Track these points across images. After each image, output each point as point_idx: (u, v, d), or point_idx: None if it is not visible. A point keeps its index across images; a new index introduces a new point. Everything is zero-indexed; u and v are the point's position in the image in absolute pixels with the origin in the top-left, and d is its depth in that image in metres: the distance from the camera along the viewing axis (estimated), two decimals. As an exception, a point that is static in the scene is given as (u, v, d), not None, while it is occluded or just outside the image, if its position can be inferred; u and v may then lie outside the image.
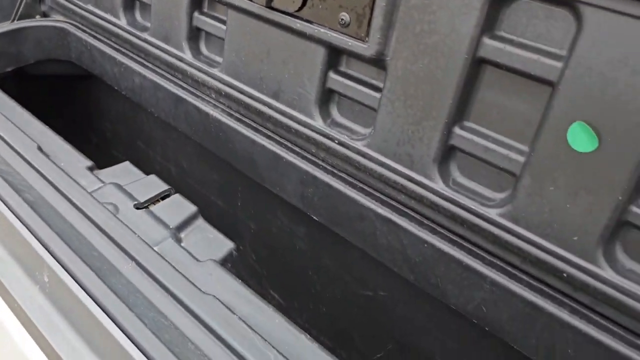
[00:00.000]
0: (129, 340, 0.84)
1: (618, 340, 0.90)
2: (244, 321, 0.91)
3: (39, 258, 0.97)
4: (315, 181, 1.25)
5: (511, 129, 0.96)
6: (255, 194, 1.61)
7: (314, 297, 1.63)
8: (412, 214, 1.12)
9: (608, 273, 0.88)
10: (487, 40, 0.93)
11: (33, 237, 0.99)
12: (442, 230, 1.08)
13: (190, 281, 0.97)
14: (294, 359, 0.86)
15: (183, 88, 1.52)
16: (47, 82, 2.07)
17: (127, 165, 1.35)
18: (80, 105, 2.19)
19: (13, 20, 1.94)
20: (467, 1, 0.92)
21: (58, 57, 1.94)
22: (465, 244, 1.05)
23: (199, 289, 0.95)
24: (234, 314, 0.92)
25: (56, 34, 1.90)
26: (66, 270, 0.94)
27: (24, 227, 1.01)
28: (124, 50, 1.70)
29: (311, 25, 1.13)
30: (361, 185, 1.19)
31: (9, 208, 1.03)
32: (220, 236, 1.18)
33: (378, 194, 1.17)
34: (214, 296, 0.94)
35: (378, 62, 1.07)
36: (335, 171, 1.23)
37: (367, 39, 1.06)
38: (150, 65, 1.62)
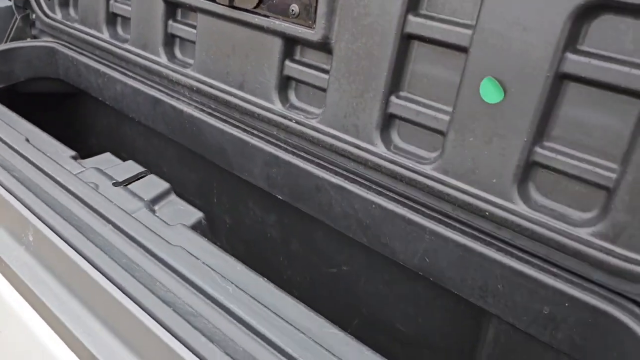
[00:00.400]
0: (104, 277, 0.95)
1: (536, 269, 1.02)
2: (206, 265, 1.02)
3: (24, 220, 1.09)
4: (277, 161, 1.39)
5: (438, 93, 1.11)
6: (228, 187, 1.74)
7: (286, 283, 1.74)
8: (361, 180, 1.25)
9: (523, 208, 1.02)
10: (411, 18, 1.09)
11: (19, 203, 1.11)
12: (386, 192, 1.21)
13: (160, 236, 1.08)
14: (251, 292, 0.97)
15: (160, 90, 1.67)
16: (37, 100, 2.21)
17: (108, 155, 1.48)
18: (68, 121, 2.33)
19: (5, 42, 2.11)
20: (393, -15, 1.08)
21: (47, 74, 2.10)
22: (406, 201, 1.18)
23: (168, 242, 1.07)
24: (198, 259, 1.03)
25: (45, 53, 2.06)
26: (49, 227, 1.05)
27: (9, 195, 1.13)
28: (106, 62, 1.86)
29: (267, 19, 1.30)
30: (317, 160, 1.33)
31: (-4, 181, 1.15)
32: (191, 208, 1.30)
33: (331, 166, 1.30)
34: (181, 247, 1.06)
35: (325, 45, 1.23)
36: (295, 150, 1.37)
37: (314, 25, 1.22)
38: (130, 73, 1.78)
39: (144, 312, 0.89)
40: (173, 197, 1.33)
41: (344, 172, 1.28)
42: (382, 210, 1.21)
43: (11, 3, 2.13)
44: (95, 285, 0.96)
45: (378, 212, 1.22)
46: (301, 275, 1.68)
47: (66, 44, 2.03)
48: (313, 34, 1.22)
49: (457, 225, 1.12)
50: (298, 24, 1.24)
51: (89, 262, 0.98)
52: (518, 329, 1.09)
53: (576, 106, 0.95)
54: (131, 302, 0.90)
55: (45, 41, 2.07)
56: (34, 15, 2.15)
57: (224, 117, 1.52)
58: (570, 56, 0.92)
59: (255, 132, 1.45)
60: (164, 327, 0.86)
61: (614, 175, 0.92)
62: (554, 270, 1.01)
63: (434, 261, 1.16)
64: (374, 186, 1.24)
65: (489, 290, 1.10)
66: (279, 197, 1.45)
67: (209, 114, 1.55)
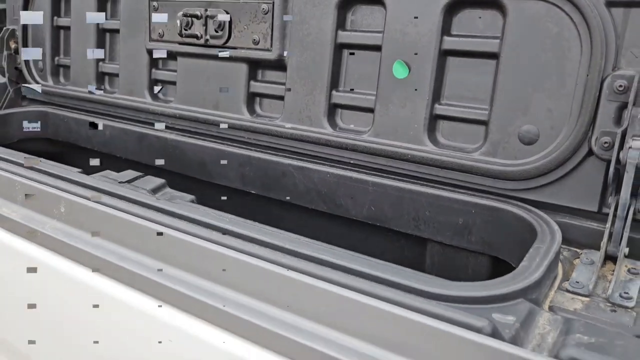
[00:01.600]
0: (130, 215, 1.25)
1: (448, 190, 1.40)
2: (203, 210, 1.34)
3: (56, 197, 1.39)
4: (249, 159, 1.75)
5: (365, 82, 1.54)
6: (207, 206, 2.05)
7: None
8: (316, 159, 1.63)
9: (433, 149, 1.42)
10: (341, 33, 1.55)
11: (48, 186, 1.41)
12: (335, 163, 1.59)
13: (165, 200, 1.40)
14: (237, 219, 1.29)
15: (144, 126, 2.03)
16: (25, 160, 2.51)
17: (107, 171, 1.80)
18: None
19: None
20: (325, 11, 1.54)
21: (37, 135, 2.42)
22: (350, 167, 1.56)
23: (173, 202, 1.39)
24: (198, 208, 1.35)
25: (36, 116, 2.40)
26: (79, 196, 1.36)
27: (37, 183, 1.43)
28: (94, 115, 2.21)
29: (235, 50, 1.73)
30: (282, 153, 1.71)
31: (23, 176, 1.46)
32: (185, 194, 1.62)
33: (292, 155, 1.68)
34: (180, 204, 1.38)
35: (280, 62, 1.66)
36: (263, 148, 1.74)
37: (271, 48, 1.65)
38: (117, 120, 2.14)
39: (165, 227, 1.19)
40: (168, 189, 1.65)
41: (303, 157, 1.66)
42: (335, 177, 1.58)
43: (5, 79, 2.50)
44: (128, 225, 1.26)
45: (332, 179, 1.59)
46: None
47: (56, 107, 2.38)
48: (271, 54, 1.66)
49: (391, 174, 1.50)
50: (259, 49, 1.68)
51: (118, 209, 1.29)
52: (445, 245, 1.45)
53: (457, 71, 1.40)
54: (154, 223, 1.21)
55: (36, 106, 2.43)
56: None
57: (202, 137, 1.89)
58: (447, 38, 1.38)
59: (229, 142, 1.83)
60: (181, 232, 1.17)
61: (487, 112, 1.35)
62: (461, 190, 1.40)
63: (378, 208, 1.52)
64: (325, 162, 1.62)
65: (420, 219, 1.46)
66: (252, 192, 1.79)
67: (189, 136, 1.92)
